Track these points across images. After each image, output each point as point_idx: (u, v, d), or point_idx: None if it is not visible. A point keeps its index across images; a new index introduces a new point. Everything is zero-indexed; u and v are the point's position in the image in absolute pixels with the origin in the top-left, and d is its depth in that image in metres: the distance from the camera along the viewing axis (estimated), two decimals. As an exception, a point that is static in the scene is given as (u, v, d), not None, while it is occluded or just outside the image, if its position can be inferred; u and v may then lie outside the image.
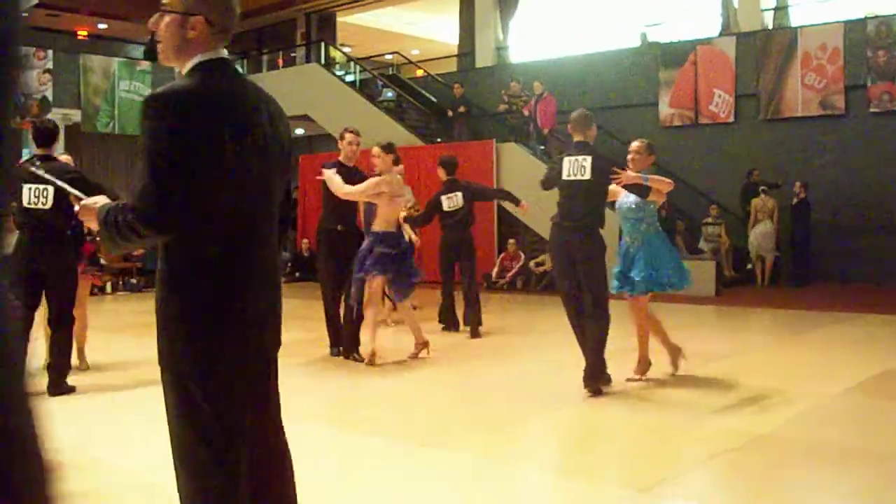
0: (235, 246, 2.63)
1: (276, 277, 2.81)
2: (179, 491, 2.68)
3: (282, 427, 2.90)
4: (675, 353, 7.21)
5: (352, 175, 7.90)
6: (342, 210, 8.10)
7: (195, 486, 2.66)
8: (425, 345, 8.17)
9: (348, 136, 8.13)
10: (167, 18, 2.67)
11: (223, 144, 2.53)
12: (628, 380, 6.95)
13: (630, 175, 6.58)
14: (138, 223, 2.50)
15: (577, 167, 6.70)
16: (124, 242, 2.60)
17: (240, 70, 2.78)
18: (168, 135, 2.49)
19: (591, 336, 6.61)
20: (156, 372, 2.68)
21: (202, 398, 2.60)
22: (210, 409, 2.61)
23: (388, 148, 7.93)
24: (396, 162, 8.22)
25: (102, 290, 15.18)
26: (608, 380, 6.73)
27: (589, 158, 6.67)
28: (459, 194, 9.90)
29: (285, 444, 2.92)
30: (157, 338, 2.65)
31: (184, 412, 2.63)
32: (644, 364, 7.07)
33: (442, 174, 10.11)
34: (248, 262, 2.66)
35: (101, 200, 2.73)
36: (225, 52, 2.73)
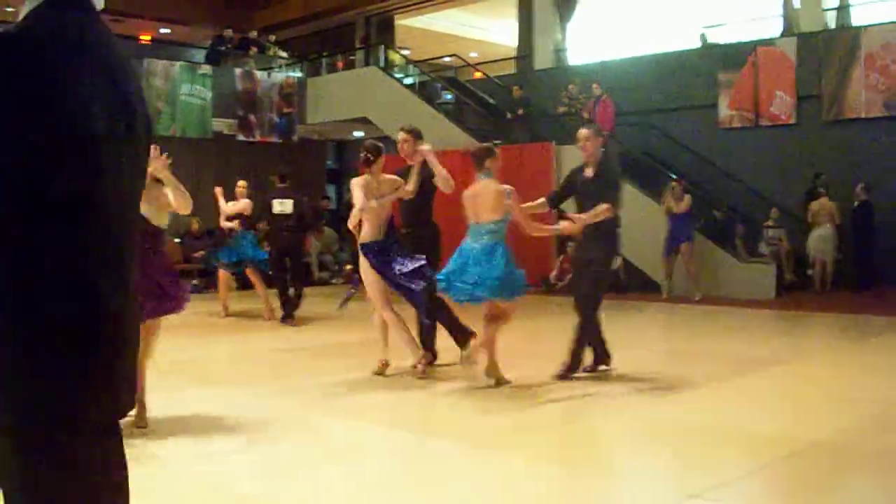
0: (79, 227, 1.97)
1: (128, 273, 2.12)
2: None
3: None
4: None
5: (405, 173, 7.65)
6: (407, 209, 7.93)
7: None
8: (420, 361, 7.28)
9: (399, 134, 7.94)
10: None
11: (66, 108, 1.91)
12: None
13: None
14: None
15: None
16: None
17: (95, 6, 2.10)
18: None
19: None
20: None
21: None
22: None
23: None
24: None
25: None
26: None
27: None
28: (289, 201, 11.08)
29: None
30: None
31: None
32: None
33: (277, 182, 11.42)
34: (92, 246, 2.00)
35: None
36: None
